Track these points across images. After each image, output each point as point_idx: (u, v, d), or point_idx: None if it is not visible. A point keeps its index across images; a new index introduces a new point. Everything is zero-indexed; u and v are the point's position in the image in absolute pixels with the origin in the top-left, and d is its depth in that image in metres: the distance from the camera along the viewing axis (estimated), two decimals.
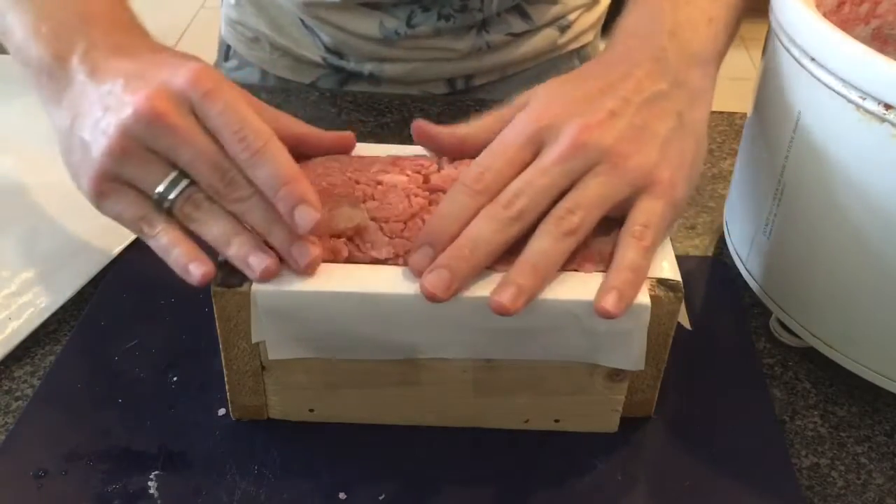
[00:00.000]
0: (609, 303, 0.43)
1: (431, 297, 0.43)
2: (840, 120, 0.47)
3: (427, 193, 0.48)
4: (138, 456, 0.48)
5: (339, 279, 0.45)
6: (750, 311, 0.59)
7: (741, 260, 0.59)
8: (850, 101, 0.46)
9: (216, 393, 0.50)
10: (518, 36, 0.84)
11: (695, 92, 0.50)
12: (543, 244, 0.44)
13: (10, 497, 0.46)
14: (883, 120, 0.45)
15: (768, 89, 0.55)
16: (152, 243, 0.46)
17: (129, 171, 0.45)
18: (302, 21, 0.82)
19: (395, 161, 0.51)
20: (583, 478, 0.48)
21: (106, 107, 0.45)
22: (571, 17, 0.87)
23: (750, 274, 0.58)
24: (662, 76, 0.49)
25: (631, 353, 0.46)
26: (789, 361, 0.56)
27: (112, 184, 0.46)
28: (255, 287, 0.44)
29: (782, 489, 0.48)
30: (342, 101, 0.79)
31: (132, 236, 0.61)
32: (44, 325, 0.56)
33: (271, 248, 0.45)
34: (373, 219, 0.47)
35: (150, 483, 0.47)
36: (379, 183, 0.49)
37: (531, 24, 0.84)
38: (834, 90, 0.47)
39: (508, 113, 0.49)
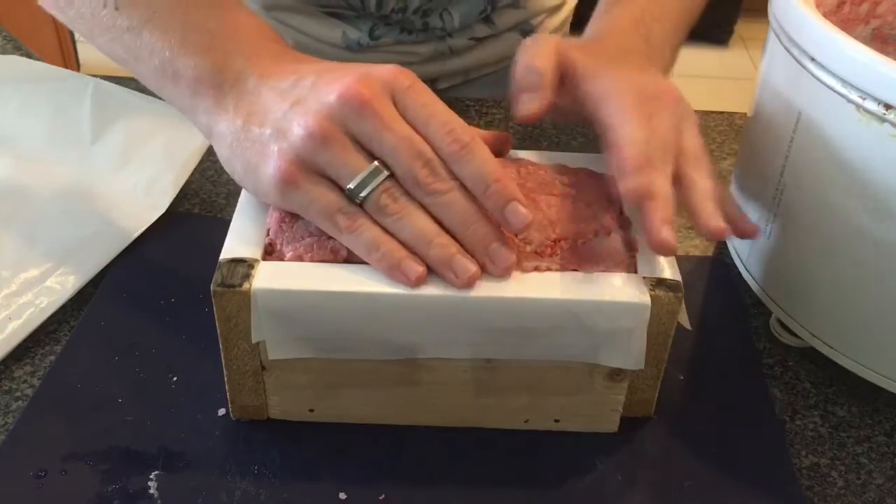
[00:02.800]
0: (713, 221, 0.46)
1: (671, 250, 0.45)
2: (840, 120, 0.47)
3: None
4: (138, 456, 0.48)
5: (339, 279, 0.45)
6: (750, 311, 0.59)
7: (741, 260, 0.59)
8: (850, 101, 0.46)
9: (216, 393, 0.50)
10: (481, 41, 0.84)
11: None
12: (708, 182, 0.48)
13: (10, 497, 0.46)
14: (883, 120, 0.45)
15: (768, 89, 0.55)
16: (351, 239, 0.44)
17: (327, 158, 0.44)
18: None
19: None
20: (583, 478, 0.48)
21: (296, 100, 0.45)
22: (534, 21, 0.87)
23: (750, 274, 0.58)
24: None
25: (631, 353, 0.46)
26: (789, 361, 0.56)
27: (304, 172, 0.44)
28: (255, 287, 0.44)
29: (782, 489, 0.48)
30: None
31: (133, 236, 0.61)
32: (44, 325, 0.56)
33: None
34: None
35: (150, 483, 0.47)
36: None
37: (494, 29, 0.84)
38: (834, 90, 0.47)
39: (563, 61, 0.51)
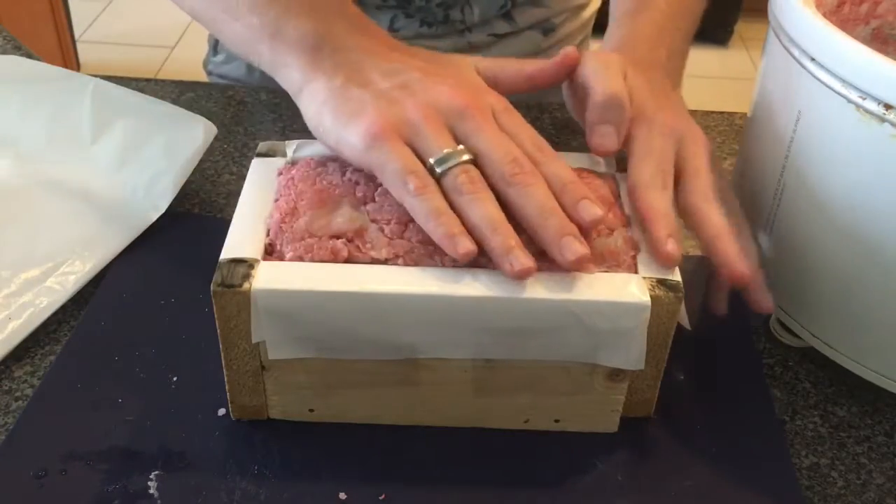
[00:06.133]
0: (734, 253, 0.50)
1: (674, 261, 0.47)
2: (840, 120, 0.47)
3: None
4: (138, 456, 0.48)
5: (339, 279, 0.45)
6: (750, 311, 0.59)
7: None
8: (850, 101, 0.46)
9: (216, 393, 0.50)
10: (500, 37, 0.84)
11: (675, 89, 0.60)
12: (713, 210, 0.51)
13: (10, 497, 0.46)
14: (883, 120, 0.45)
15: (768, 89, 0.55)
16: (416, 202, 0.45)
17: (421, 131, 0.47)
18: None
19: None
20: (583, 478, 0.48)
21: (403, 84, 0.48)
22: (556, 20, 0.87)
23: None
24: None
25: (631, 353, 0.46)
26: (789, 361, 0.56)
27: (394, 134, 0.46)
28: (255, 287, 0.44)
29: (782, 489, 0.48)
30: None
31: (133, 236, 0.61)
32: (44, 325, 0.56)
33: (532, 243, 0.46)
34: (373, 220, 0.47)
35: (150, 483, 0.47)
36: (379, 185, 0.49)
37: (514, 27, 0.84)
38: (834, 90, 0.47)
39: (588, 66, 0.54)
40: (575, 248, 0.45)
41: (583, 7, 0.89)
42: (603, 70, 0.53)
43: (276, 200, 0.49)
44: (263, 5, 0.52)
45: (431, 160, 0.46)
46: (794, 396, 0.54)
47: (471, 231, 0.45)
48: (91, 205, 0.63)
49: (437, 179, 0.46)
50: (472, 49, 0.84)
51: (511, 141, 0.48)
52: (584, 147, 0.53)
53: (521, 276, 0.44)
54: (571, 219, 0.46)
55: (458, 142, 0.47)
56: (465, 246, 0.44)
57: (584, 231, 0.46)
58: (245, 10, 0.53)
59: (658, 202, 0.49)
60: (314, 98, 0.49)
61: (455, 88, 0.48)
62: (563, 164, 0.48)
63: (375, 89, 0.48)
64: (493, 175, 0.46)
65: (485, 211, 0.45)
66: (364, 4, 0.79)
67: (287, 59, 0.51)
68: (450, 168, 0.46)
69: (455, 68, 0.52)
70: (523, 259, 0.44)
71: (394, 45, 0.53)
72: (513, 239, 0.45)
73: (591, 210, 0.46)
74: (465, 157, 0.46)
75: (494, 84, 0.52)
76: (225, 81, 0.91)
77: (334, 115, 0.48)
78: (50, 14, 2.21)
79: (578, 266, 0.45)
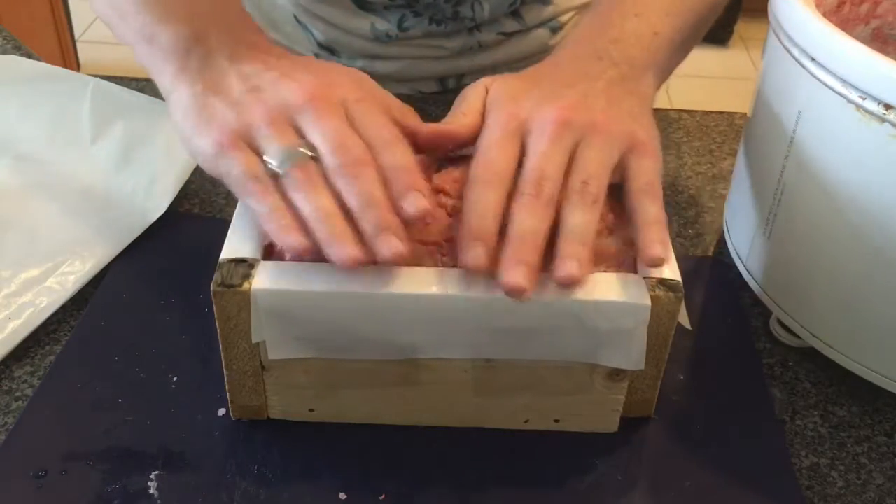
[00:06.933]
0: (658, 251, 0.46)
1: (520, 293, 0.43)
2: (840, 120, 0.47)
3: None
4: (138, 456, 0.48)
5: (339, 279, 0.45)
6: (750, 311, 0.59)
7: (741, 260, 0.59)
8: (850, 101, 0.46)
9: (216, 393, 0.50)
10: (509, 36, 0.84)
11: (643, 93, 0.53)
12: (578, 218, 0.46)
13: (10, 497, 0.46)
14: (883, 120, 0.45)
15: (768, 89, 0.55)
16: (256, 205, 0.46)
17: (263, 134, 0.47)
18: (296, 17, 0.83)
19: None
20: (583, 478, 0.48)
21: (255, 86, 0.49)
22: (563, 18, 0.87)
23: (750, 274, 0.58)
24: (613, 70, 0.53)
25: (631, 353, 0.46)
26: (789, 361, 0.56)
27: (239, 142, 0.47)
28: (255, 287, 0.44)
29: (782, 489, 0.48)
30: None
31: (133, 236, 0.61)
32: (44, 325, 0.56)
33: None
34: None
35: (150, 483, 0.47)
36: None
37: (523, 25, 0.84)
38: (834, 90, 0.47)
39: (475, 104, 0.51)
40: (391, 244, 0.44)
41: (589, 6, 0.89)
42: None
43: None
44: (144, 8, 0.52)
45: (272, 161, 0.46)
46: (794, 396, 0.54)
47: (306, 225, 0.45)
48: (91, 205, 0.63)
49: (281, 179, 0.46)
50: (481, 48, 0.84)
51: (348, 131, 0.47)
52: None
53: (344, 265, 0.44)
54: (397, 211, 0.45)
55: (303, 138, 0.47)
56: (295, 239, 0.44)
57: (410, 225, 0.45)
58: (131, 12, 0.53)
59: (650, 206, 0.48)
60: (178, 105, 0.50)
61: (303, 84, 0.48)
62: (402, 153, 0.47)
63: (229, 96, 0.48)
64: (326, 167, 0.46)
65: (315, 203, 0.45)
66: (372, 4, 0.79)
67: (160, 65, 0.51)
68: (289, 166, 0.46)
69: (336, 68, 0.52)
70: (349, 249, 0.44)
71: (268, 48, 0.52)
72: (339, 228, 0.44)
73: (416, 202, 0.45)
74: (303, 154, 0.46)
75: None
76: None
77: (191, 124, 0.49)
78: (50, 14, 2.21)
79: (391, 261, 0.44)
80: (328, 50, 0.84)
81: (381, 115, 0.49)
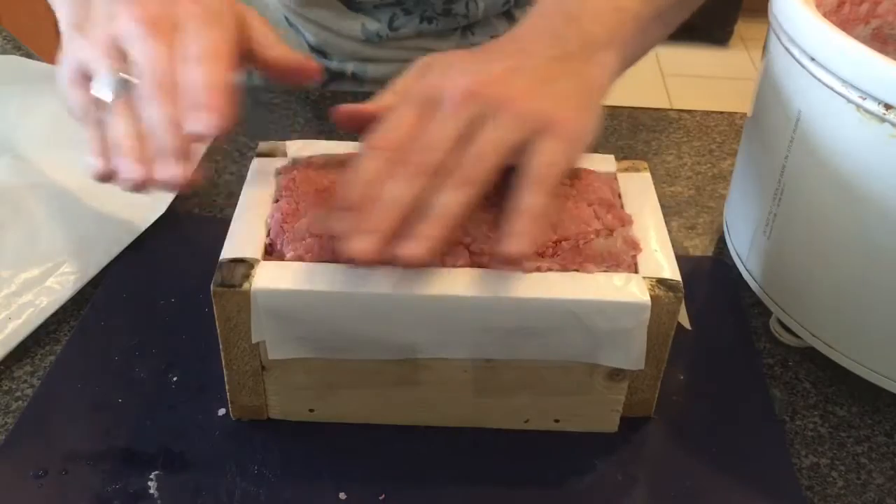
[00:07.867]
0: (512, 247, 0.43)
1: (363, 256, 0.42)
2: (840, 120, 0.47)
3: None
4: (138, 456, 0.48)
5: (340, 279, 0.45)
6: (750, 311, 0.59)
7: (741, 260, 0.59)
8: (850, 101, 0.46)
9: (216, 393, 0.50)
10: None
11: (589, 74, 0.50)
12: (442, 198, 0.44)
13: (10, 497, 0.46)
14: (883, 120, 0.45)
15: (768, 89, 0.55)
16: (86, 136, 0.48)
17: (94, 64, 0.48)
18: (287, 19, 0.83)
19: None
20: (583, 478, 0.48)
21: (103, 16, 0.49)
22: None
23: (750, 274, 0.58)
24: (559, 48, 0.49)
25: (631, 353, 0.46)
26: (789, 361, 0.56)
27: (79, 78, 0.48)
28: (255, 287, 0.44)
29: (782, 489, 0.48)
30: (324, 101, 0.79)
31: (133, 237, 0.61)
32: (44, 325, 0.56)
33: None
34: None
35: (150, 483, 0.47)
36: None
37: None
38: (834, 90, 0.47)
39: (408, 80, 0.50)
40: (166, 169, 0.46)
41: None
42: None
43: (277, 201, 0.49)
44: None
45: (96, 93, 0.47)
46: (794, 396, 0.54)
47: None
48: (91, 205, 0.63)
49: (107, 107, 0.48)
50: None
51: (161, 52, 0.47)
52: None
53: (130, 189, 0.46)
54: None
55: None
56: (92, 161, 0.47)
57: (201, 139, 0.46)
58: None
59: (528, 195, 0.45)
60: (62, 48, 0.51)
61: (135, 8, 0.48)
62: (205, 71, 0.46)
63: (85, 31, 0.49)
64: (142, 93, 0.47)
65: (114, 130, 0.47)
66: (362, 3, 0.79)
67: (59, 10, 0.53)
68: (111, 94, 0.47)
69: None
70: (128, 165, 0.46)
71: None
72: (127, 150, 0.46)
73: (200, 121, 0.45)
74: (124, 79, 0.47)
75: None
76: None
77: (59, 62, 0.50)
78: (50, 14, 2.21)
79: (168, 186, 0.46)
80: (319, 52, 0.84)
81: (207, 31, 0.47)
